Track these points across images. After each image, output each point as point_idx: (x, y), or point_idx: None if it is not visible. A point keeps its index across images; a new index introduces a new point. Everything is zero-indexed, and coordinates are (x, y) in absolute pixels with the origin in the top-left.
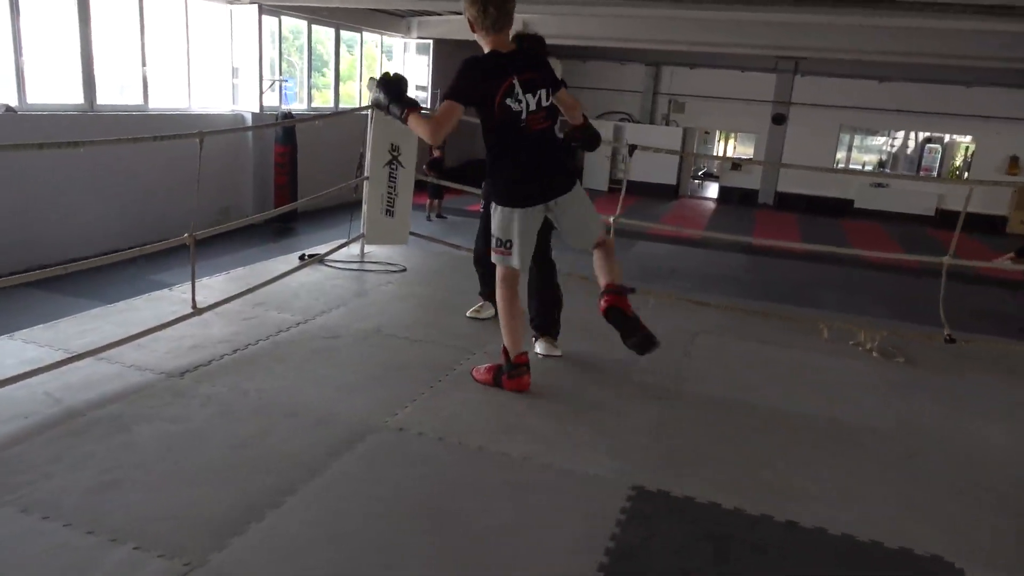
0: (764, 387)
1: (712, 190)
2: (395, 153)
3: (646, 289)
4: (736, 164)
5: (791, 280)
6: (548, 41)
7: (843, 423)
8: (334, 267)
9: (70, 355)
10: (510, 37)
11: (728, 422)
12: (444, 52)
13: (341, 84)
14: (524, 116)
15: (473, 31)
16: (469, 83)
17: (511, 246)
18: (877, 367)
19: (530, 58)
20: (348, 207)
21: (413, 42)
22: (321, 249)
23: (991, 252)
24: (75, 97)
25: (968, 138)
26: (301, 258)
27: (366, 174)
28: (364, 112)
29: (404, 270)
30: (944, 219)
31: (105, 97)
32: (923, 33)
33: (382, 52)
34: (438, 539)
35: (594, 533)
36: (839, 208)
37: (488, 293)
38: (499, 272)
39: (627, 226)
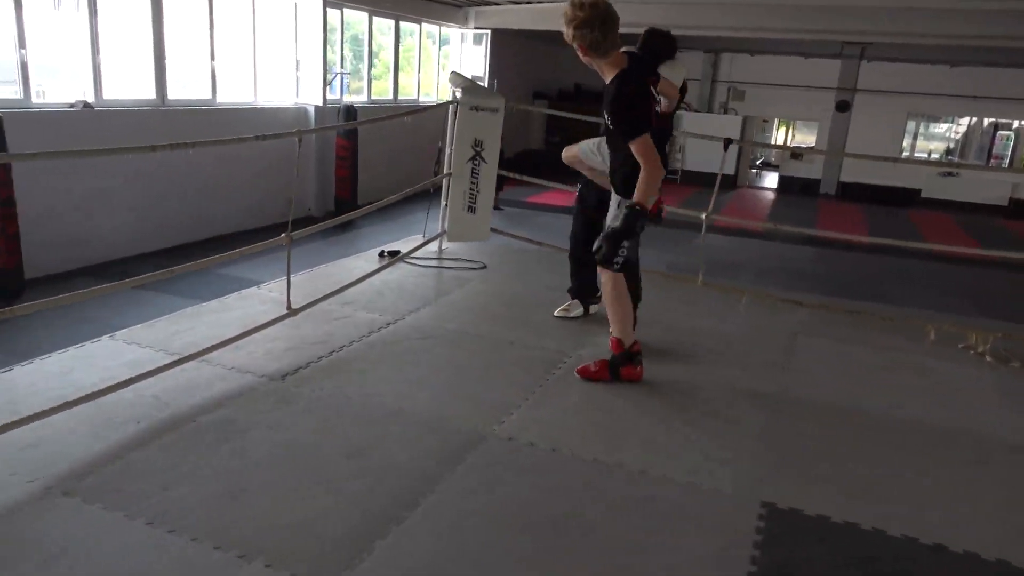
0: (875, 393)
1: (771, 180)
2: (478, 148)
3: (734, 287)
4: (796, 153)
5: (863, 273)
6: None
7: (970, 434)
8: (414, 264)
9: (172, 357)
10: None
11: (843, 431)
12: (501, 42)
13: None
14: (658, 111)
15: (586, 54)
16: (640, 106)
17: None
18: (992, 373)
19: (646, 63)
20: (410, 200)
21: (471, 32)
22: (398, 246)
23: None
24: (147, 92)
25: None
26: (381, 255)
27: (447, 170)
28: (445, 106)
29: (484, 267)
30: (1018, 209)
31: (175, 91)
32: (995, 15)
33: (439, 44)
34: (570, 556)
35: (733, 554)
36: (906, 198)
37: (578, 291)
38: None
39: (684, 217)
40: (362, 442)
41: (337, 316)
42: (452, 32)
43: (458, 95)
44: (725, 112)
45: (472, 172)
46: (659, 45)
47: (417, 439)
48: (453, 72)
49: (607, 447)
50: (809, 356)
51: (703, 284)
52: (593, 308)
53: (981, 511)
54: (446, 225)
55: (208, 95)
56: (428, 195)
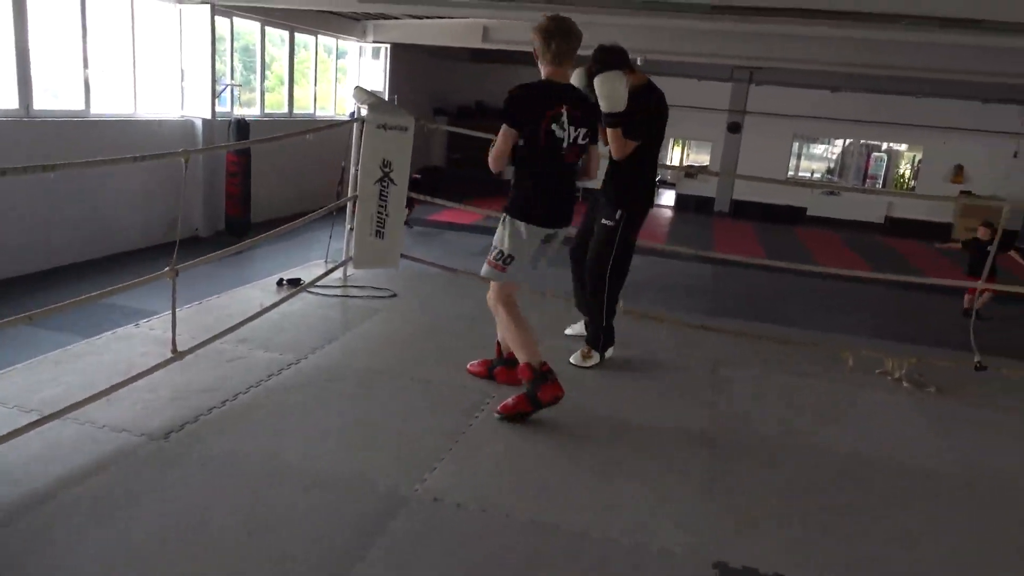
0: (806, 427)
1: (668, 198)
2: (387, 169)
3: (653, 313)
4: (690, 172)
5: (764, 292)
6: (505, 48)
7: (905, 468)
8: (317, 294)
9: (29, 416)
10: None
11: (781, 471)
12: (400, 57)
13: (284, 88)
14: (565, 145)
15: (536, 60)
16: (518, 107)
17: (511, 261)
18: (910, 399)
19: (583, 97)
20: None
21: (369, 46)
22: (299, 273)
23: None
24: (9, 102)
25: (905, 147)
26: (280, 284)
27: (352, 191)
28: (349, 123)
29: (394, 295)
30: (894, 226)
31: (43, 101)
32: (879, 45)
33: (336, 57)
34: None
35: None
36: (793, 216)
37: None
38: (495, 288)
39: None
40: (265, 513)
41: (231, 357)
42: (350, 45)
43: (364, 112)
44: None
45: (380, 195)
46: (606, 57)
47: (330, 506)
48: (357, 88)
49: (542, 504)
50: (736, 389)
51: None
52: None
53: (949, 552)
54: (352, 251)
55: (81, 106)
56: (331, 215)
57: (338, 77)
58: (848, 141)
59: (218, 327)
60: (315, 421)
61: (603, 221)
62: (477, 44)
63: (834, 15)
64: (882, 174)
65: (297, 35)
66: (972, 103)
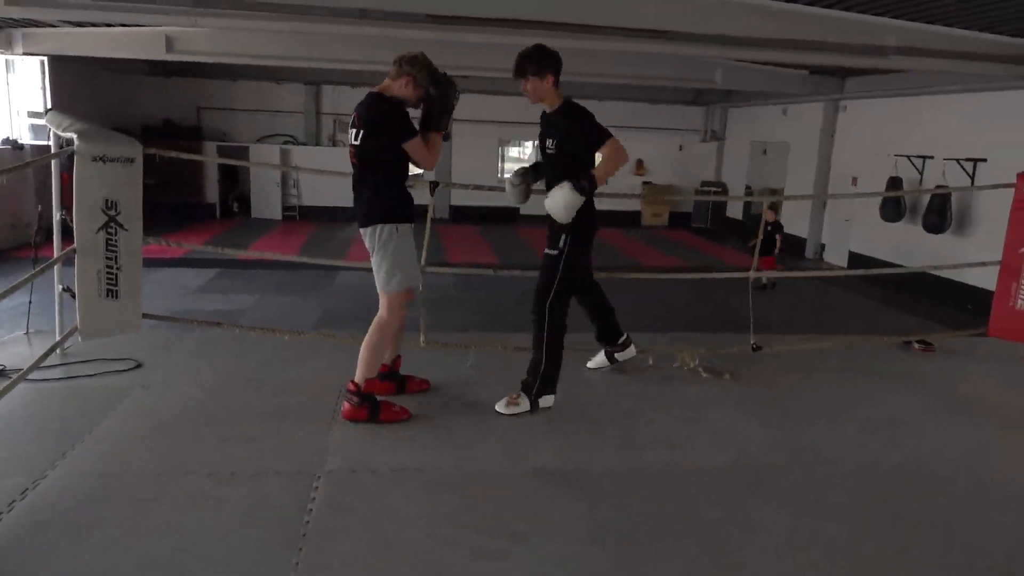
0: (651, 442)
1: None
2: (112, 212)
3: (455, 342)
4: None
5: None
6: (191, 59)
7: (772, 468)
8: (34, 381)
9: None
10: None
11: (659, 498)
12: (64, 71)
13: None
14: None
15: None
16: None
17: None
18: (715, 388)
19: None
20: None
21: (19, 59)
22: None
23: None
24: None
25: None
26: None
27: (71, 246)
28: (46, 157)
29: (138, 366)
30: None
31: None
32: (574, 54)
33: None
34: None
35: None
36: (509, 215)
37: (602, 335)
38: (397, 298)
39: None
40: None
41: None
42: None
43: (75, 142)
44: (334, 144)
45: (107, 244)
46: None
47: None
48: (52, 112)
49: None
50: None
51: (426, 344)
52: (622, 355)
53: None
54: (77, 319)
55: None
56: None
57: None
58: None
59: None
60: (99, 569)
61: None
62: (160, 56)
63: (534, 24)
64: None
65: None
66: (643, 104)
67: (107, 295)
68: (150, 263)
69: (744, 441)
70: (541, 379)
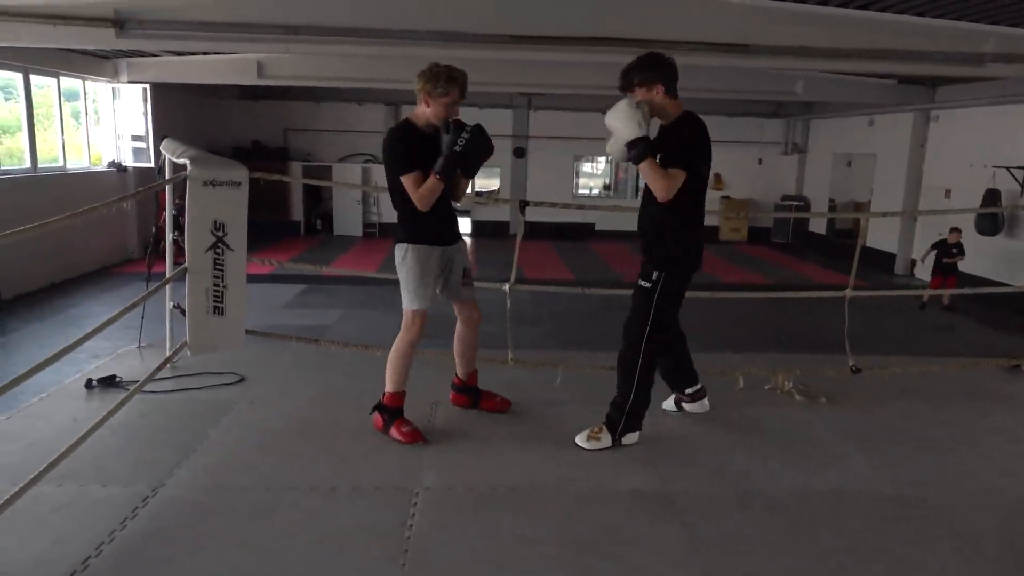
0: (735, 463)
1: (464, 224)
2: (220, 233)
3: (546, 360)
4: (480, 198)
5: (603, 315)
6: (279, 83)
7: (864, 493)
8: (149, 393)
9: None
10: None
11: (759, 520)
12: (163, 97)
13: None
14: None
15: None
16: None
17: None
18: (810, 413)
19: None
20: (64, 286)
21: (124, 87)
22: (111, 367)
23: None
24: None
25: None
26: (89, 385)
27: (175, 263)
28: (166, 180)
29: (242, 379)
30: None
31: None
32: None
33: (59, 97)
34: None
35: None
36: (583, 231)
37: (667, 378)
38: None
39: None
40: None
41: (56, 505)
42: (100, 87)
43: (188, 168)
44: None
45: (215, 264)
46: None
47: None
48: (167, 139)
49: None
50: (654, 437)
51: (513, 362)
52: (691, 407)
53: None
54: (187, 334)
55: None
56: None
57: (86, 122)
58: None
59: (23, 465)
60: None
61: (639, 282)
62: (252, 81)
63: (610, 41)
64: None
65: (33, 78)
66: (720, 117)
67: (214, 312)
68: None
69: (855, 467)
70: (627, 416)
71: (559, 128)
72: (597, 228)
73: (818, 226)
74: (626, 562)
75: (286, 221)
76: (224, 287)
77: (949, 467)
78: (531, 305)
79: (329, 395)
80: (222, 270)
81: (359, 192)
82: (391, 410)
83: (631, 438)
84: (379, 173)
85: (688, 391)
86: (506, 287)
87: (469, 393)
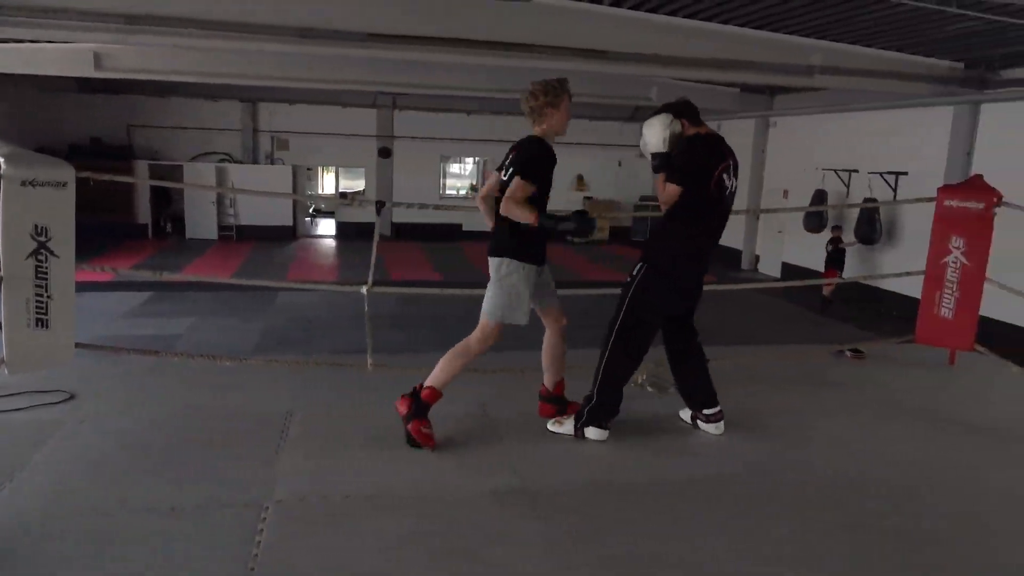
0: (593, 456)
1: (327, 226)
2: (42, 238)
3: (406, 366)
4: (344, 200)
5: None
6: (121, 76)
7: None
8: None
9: None
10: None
11: (603, 512)
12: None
13: None
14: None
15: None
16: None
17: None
18: (661, 404)
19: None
20: None
21: None
22: None
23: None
24: None
25: None
26: None
27: None
28: None
29: (71, 397)
30: None
31: None
32: (509, 72)
33: None
34: None
35: None
36: (451, 232)
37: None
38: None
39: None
40: None
41: None
42: None
43: (2, 166)
44: (272, 162)
45: (38, 272)
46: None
47: None
48: None
49: None
50: (515, 435)
51: (373, 367)
52: (705, 427)
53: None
54: (3, 351)
55: None
56: None
57: None
58: (480, 159)
59: None
60: None
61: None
62: (88, 73)
63: (469, 43)
64: None
65: None
66: (582, 121)
67: (37, 325)
68: (76, 288)
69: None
70: (590, 410)
71: (425, 128)
72: (464, 228)
73: None
74: (485, 562)
75: (131, 224)
76: (48, 297)
77: (787, 445)
78: (395, 306)
79: (171, 410)
80: (45, 279)
81: (214, 193)
82: (424, 405)
83: (594, 433)
84: (235, 173)
85: (706, 412)
86: (363, 289)
87: (556, 403)
